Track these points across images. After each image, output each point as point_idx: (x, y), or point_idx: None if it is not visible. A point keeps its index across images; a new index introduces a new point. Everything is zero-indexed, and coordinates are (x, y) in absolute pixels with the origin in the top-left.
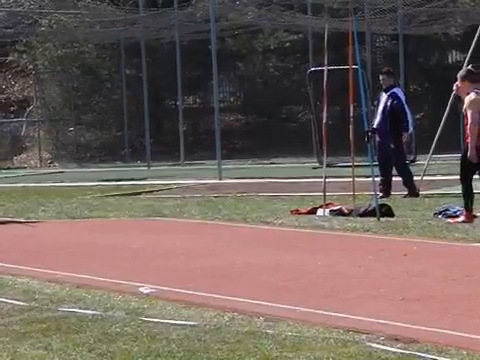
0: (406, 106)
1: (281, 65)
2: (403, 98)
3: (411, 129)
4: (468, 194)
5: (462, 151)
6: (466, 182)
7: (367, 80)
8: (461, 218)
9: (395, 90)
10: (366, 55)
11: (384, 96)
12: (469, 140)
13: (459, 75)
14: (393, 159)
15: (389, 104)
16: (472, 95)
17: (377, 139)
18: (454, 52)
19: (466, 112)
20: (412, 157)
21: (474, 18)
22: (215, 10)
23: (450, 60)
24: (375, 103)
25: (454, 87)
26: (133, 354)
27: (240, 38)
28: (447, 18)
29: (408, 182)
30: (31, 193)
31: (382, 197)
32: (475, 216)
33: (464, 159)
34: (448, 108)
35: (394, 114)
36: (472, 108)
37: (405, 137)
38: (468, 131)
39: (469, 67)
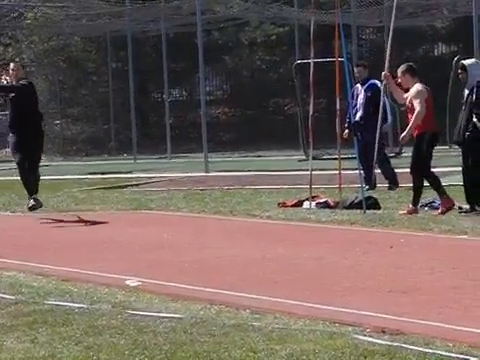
0: (385, 98)
1: (267, 58)
2: (382, 89)
3: (390, 120)
4: (436, 182)
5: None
6: (428, 174)
7: (353, 73)
8: (441, 207)
9: (374, 81)
10: (352, 48)
11: (361, 89)
12: (410, 124)
13: (400, 70)
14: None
15: (369, 96)
16: (419, 86)
17: (358, 133)
18: (440, 44)
19: (412, 103)
20: (398, 149)
21: (460, 10)
22: (201, 3)
23: (436, 53)
24: (350, 97)
25: (383, 78)
26: (120, 347)
27: (226, 31)
28: (433, 10)
29: (388, 173)
30: (18, 186)
31: (368, 190)
32: (453, 203)
33: (419, 151)
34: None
35: (376, 106)
36: (419, 98)
37: (385, 128)
38: (414, 116)
39: (409, 63)
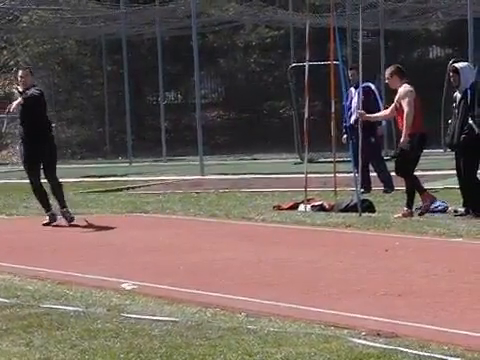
0: (379, 100)
1: (263, 61)
2: (377, 92)
3: (384, 122)
4: (415, 182)
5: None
6: (411, 176)
7: (348, 76)
8: (424, 202)
9: (367, 84)
10: (347, 51)
11: (354, 92)
12: (403, 128)
13: (388, 71)
14: (369, 154)
15: (363, 99)
16: (407, 86)
17: (353, 136)
18: (435, 47)
19: (400, 103)
20: (392, 152)
21: (455, 13)
22: (196, 6)
23: (431, 55)
24: (344, 100)
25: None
26: (115, 350)
27: (221, 34)
28: (428, 13)
29: (384, 177)
30: (13, 189)
31: (363, 192)
32: (434, 198)
33: (405, 153)
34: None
35: (370, 109)
36: (408, 97)
37: (379, 131)
38: (404, 120)
39: (397, 65)
